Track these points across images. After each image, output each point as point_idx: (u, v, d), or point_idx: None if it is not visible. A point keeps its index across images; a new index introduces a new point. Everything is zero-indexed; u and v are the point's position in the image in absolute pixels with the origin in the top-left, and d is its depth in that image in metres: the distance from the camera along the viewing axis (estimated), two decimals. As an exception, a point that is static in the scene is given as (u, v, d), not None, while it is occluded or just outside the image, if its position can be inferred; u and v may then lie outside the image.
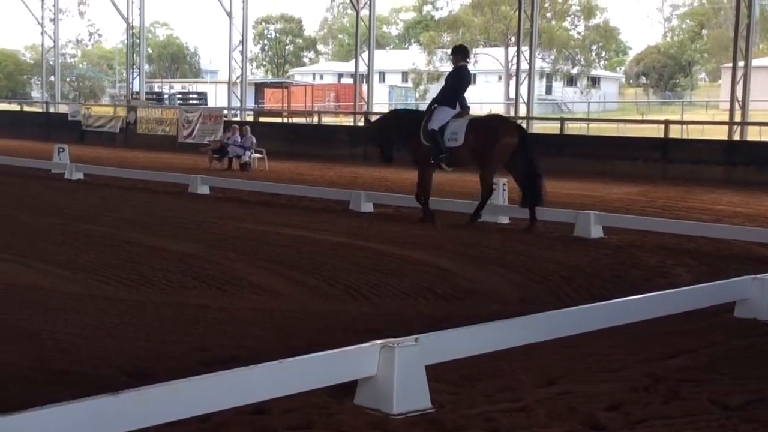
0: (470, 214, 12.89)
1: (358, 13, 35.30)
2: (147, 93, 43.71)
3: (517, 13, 32.18)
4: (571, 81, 75.59)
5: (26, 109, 51.20)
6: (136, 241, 10.76)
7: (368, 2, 34.11)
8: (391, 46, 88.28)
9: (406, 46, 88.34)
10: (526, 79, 30.97)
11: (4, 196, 15.84)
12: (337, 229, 12.27)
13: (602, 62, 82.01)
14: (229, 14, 37.55)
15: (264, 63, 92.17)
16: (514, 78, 33.20)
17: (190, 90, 62.46)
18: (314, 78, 78.78)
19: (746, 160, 22.39)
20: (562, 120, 29.68)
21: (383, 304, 7.73)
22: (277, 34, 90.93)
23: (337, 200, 14.99)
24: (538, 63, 43.07)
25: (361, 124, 31.27)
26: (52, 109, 45.48)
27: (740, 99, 25.85)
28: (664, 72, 77.34)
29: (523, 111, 30.98)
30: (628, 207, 15.65)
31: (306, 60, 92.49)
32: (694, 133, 33.40)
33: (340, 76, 77.45)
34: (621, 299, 6.82)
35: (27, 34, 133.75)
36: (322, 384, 4.80)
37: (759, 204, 16.55)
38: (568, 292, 8.36)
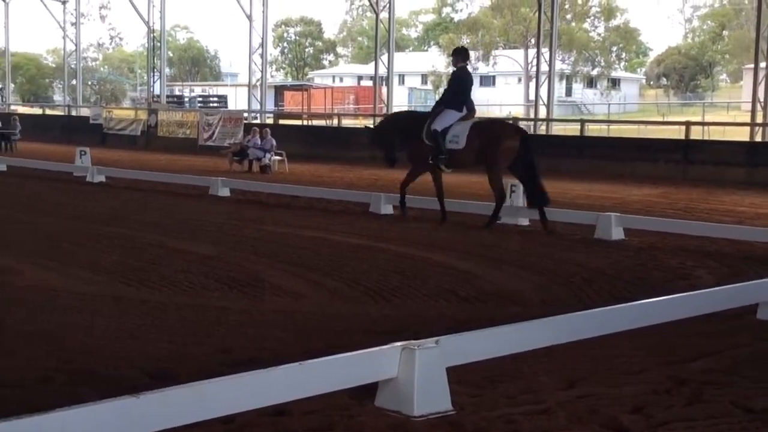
0: (488, 217, 12.94)
1: (377, 15, 35.34)
2: (168, 96, 43.94)
3: (536, 14, 32.11)
4: (591, 82, 75.33)
5: (48, 112, 51.61)
6: (157, 243, 10.81)
7: (388, 5, 34.13)
8: (411, 49, 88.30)
9: (425, 48, 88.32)
10: (546, 81, 30.90)
11: (27, 199, 15.96)
12: (357, 231, 12.28)
13: (622, 63, 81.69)
14: (249, 17, 37.68)
15: (284, 66, 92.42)
16: (534, 80, 33.13)
17: (211, 93, 62.71)
18: (334, 80, 78.86)
19: (768, 161, 22.26)
20: (582, 122, 29.55)
21: (404, 306, 7.72)
22: (297, 37, 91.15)
23: (356, 202, 15.00)
24: (558, 65, 42.98)
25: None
26: (73, 113, 45.78)
27: (762, 100, 25.69)
28: (685, 73, 76.94)
29: (542, 113, 30.92)
30: (649, 209, 15.58)
31: (326, 62, 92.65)
32: (716, 134, 33.22)
33: (360, 78, 77.52)
34: (642, 301, 6.78)
35: (49, 39, 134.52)
36: (342, 386, 4.80)
37: (782, 205, 16.42)
38: (590, 293, 8.33)
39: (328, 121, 41.28)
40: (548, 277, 9.10)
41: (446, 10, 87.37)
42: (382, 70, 35.56)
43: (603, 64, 73.50)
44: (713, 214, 15.01)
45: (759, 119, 25.62)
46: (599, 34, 73.77)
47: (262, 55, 38.31)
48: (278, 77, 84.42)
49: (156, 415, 4.01)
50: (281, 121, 38.98)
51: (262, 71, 38.35)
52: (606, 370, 5.68)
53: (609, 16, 72.33)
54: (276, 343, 6.28)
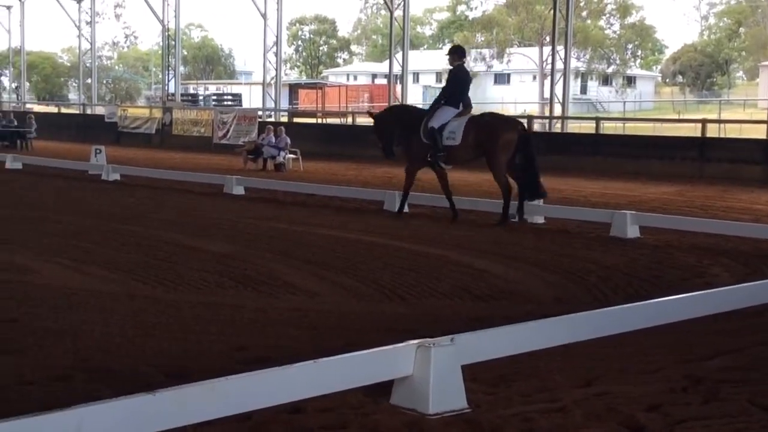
0: (501, 216, 12.98)
1: (392, 13, 35.32)
2: (182, 94, 44.04)
3: (551, 12, 32.03)
4: (606, 80, 75.09)
5: (63, 111, 51.86)
6: (172, 241, 10.83)
7: (402, 3, 34.09)
8: (425, 47, 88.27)
9: (440, 46, 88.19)
10: (561, 79, 30.82)
11: (42, 197, 16.03)
12: (372, 229, 12.28)
13: (638, 61, 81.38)
14: (264, 15, 37.73)
15: (298, 64, 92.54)
16: (549, 77, 33.05)
17: (225, 91, 62.83)
18: (348, 79, 78.93)
19: (785, 159, 22.13)
20: (598, 119, 29.48)
21: (419, 304, 7.72)
22: (311, 35, 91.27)
23: (371, 200, 15.01)
24: (573, 62, 42.88)
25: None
26: (88, 111, 45.99)
27: (779, 97, 25.50)
28: (701, 70, 76.61)
29: (558, 110, 30.83)
30: (664, 207, 15.51)
31: (340, 61, 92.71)
32: (732, 132, 33.02)
33: (374, 76, 77.53)
34: (659, 299, 6.76)
35: (64, 37, 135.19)
36: (357, 384, 4.80)
37: (799, 203, 16.33)
38: (605, 292, 8.30)
39: (342, 120, 41.33)
40: (563, 275, 9.08)
41: (461, 7, 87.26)
42: (397, 68, 35.55)
43: (618, 61, 73.27)
44: (730, 212, 14.94)
45: (775, 116, 25.45)
46: (614, 32, 73.54)
47: (276, 54, 38.36)
48: (293, 75, 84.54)
49: (172, 412, 4.02)
50: (296, 120, 39.02)
51: (276, 69, 38.39)
52: (622, 369, 5.66)
53: (624, 14, 72.10)
54: (291, 341, 6.28)
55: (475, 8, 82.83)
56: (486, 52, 71.80)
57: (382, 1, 45.26)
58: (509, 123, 13.54)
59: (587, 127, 31.88)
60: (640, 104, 68.62)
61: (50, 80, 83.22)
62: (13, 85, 59.43)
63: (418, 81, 72.61)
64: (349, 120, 37.65)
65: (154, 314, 7.03)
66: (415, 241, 11.14)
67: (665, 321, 6.37)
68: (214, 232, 11.76)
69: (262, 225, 12.52)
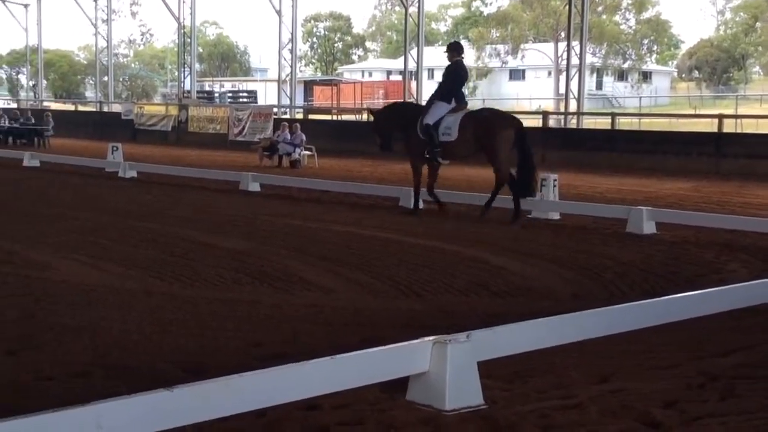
0: (513, 213, 13.00)
1: (406, 9, 35.31)
2: (198, 92, 44.20)
3: (567, 7, 31.92)
4: (622, 75, 74.79)
5: (80, 108, 52.12)
6: (189, 238, 10.88)
7: (417, -1, 34.07)
8: (440, 43, 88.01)
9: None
10: (577, 74, 30.73)
11: (60, 195, 16.12)
12: (387, 225, 12.29)
13: (654, 56, 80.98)
14: (279, 12, 37.78)
15: (313, 61, 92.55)
16: (564, 73, 32.96)
17: (241, 88, 62.97)
18: (363, 75, 78.90)
19: (803, 154, 22.01)
20: (613, 115, 29.37)
21: (435, 300, 7.72)
22: (326, 32, 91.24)
23: (387, 197, 15.02)
24: (589, 58, 42.72)
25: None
26: (105, 109, 46.19)
27: (796, 92, 25.35)
28: (717, 66, 76.17)
29: (573, 106, 30.75)
30: (681, 202, 15.46)
31: (355, 57, 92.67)
32: (749, 127, 32.85)
33: (389, 73, 77.47)
34: (675, 296, 6.74)
35: (80, 35, 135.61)
36: (374, 380, 4.81)
37: (816, 199, 16.24)
38: (622, 288, 8.29)
39: (357, 116, 41.33)
40: (579, 272, 9.06)
41: (476, 3, 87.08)
42: (412, 65, 35.55)
43: (634, 57, 72.95)
44: (747, 207, 14.88)
45: (793, 112, 25.31)
46: (630, 27, 73.18)
47: (291, 51, 38.42)
48: (307, 72, 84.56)
49: (189, 408, 4.04)
50: (311, 116, 39.07)
51: (291, 66, 38.45)
52: (638, 365, 5.65)
53: (640, 9, 71.73)
54: (307, 338, 6.30)
55: (490, 4, 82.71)
56: (501, 48, 71.67)
57: (396, -2, 45.23)
58: (507, 119, 13.62)
59: (603, 123, 31.78)
60: (656, 100, 68.29)
61: (67, 78, 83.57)
62: (31, 83, 59.78)
63: (432, 77, 72.37)
64: (364, 117, 37.60)
65: (171, 311, 7.06)
66: (431, 238, 11.15)
67: (681, 317, 6.36)
68: (230, 229, 11.80)
69: (278, 221, 12.55)
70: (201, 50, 78.32)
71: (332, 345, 5.78)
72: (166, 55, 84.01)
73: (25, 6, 51.32)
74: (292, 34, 38.17)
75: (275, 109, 35.97)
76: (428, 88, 53.65)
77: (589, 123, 32.93)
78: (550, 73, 68.47)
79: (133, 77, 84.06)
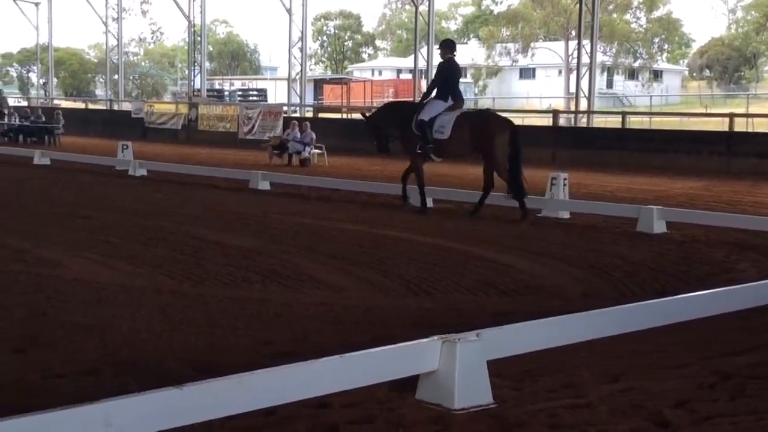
0: (521, 213, 13.02)
1: (417, 8, 35.29)
2: (208, 90, 44.26)
3: (577, 6, 31.85)
4: (632, 74, 74.59)
5: (91, 107, 52.21)
6: (198, 236, 10.89)
7: (427, -3, 34.04)
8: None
9: (464, 41, 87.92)
10: (587, 73, 30.66)
11: (70, 193, 16.16)
12: (397, 224, 12.29)
13: (665, 55, 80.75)
14: (289, 11, 37.81)
15: (323, 59, 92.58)
16: (575, 72, 32.88)
17: (251, 87, 63.02)
18: (373, 74, 78.86)
19: (814, 153, 21.92)
20: (624, 114, 29.28)
21: (445, 299, 7.72)
22: (336, 31, 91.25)
23: (396, 195, 14.99)
24: (599, 56, 42.61)
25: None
26: (115, 107, 46.28)
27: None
28: (729, 64, 75.88)
29: (583, 105, 30.68)
30: (691, 201, 15.42)
31: (365, 56, 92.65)
32: (760, 126, 32.70)
33: (399, 71, 77.40)
34: (686, 295, 6.72)
35: (91, 34, 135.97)
36: (383, 378, 4.81)
37: (828, 198, 16.16)
38: (632, 287, 8.27)
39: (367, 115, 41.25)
40: (589, 271, 9.05)
41: (486, 2, 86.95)
42: (422, 63, 35.52)
43: (645, 55, 72.75)
44: (758, 206, 14.82)
45: (804, 110, 25.20)
46: (641, 26, 72.96)
47: (301, 49, 38.43)
48: (317, 71, 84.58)
49: (199, 406, 4.05)
50: (321, 115, 39.05)
51: (301, 65, 38.47)
52: (648, 365, 5.64)
53: (651, 7, 71.50)
54: (317, 336, 6.30)
55: (500, 2, 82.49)
56: (511, 46, 71.55)
57: (407, -4, 45.19)
58: (503, 123, 13.75)
59: (613, 122, 31.69)
60: (667, 98, 68.08)
61: (77, 76, 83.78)
62: (41, 81, 59.94)
63: (442, 76, 72.36)
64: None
65: (180, 309, 7.07)
66: (441, 236, 11.14)
67: (692, 317, 6.34)
68: (240, 228, 11.81)
69: (288, 220, 12.56)
70: (211, 49, 78.42)
71: (342, 343, 5.77)
72: (176, 54, 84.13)
73: (36, 4, 51.44)
74: (302, 32, 38.19)
75: (285, 108, 35.99)
76: (438, 86, 53.58)
77: (599, 122, 32.85)
78: (560, 72, 68.33)
79: (144, 76, 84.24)
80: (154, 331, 6.33)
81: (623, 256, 9.88)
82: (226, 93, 53.70)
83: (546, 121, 31.57)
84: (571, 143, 26.51)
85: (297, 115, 35.70)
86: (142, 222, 12.07)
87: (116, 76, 49.57)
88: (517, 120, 39.05)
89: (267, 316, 6.95)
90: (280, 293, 7.77)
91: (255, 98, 51.98)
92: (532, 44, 70.96)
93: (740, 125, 28.57)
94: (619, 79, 74.38)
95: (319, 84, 60.77)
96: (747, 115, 33.72)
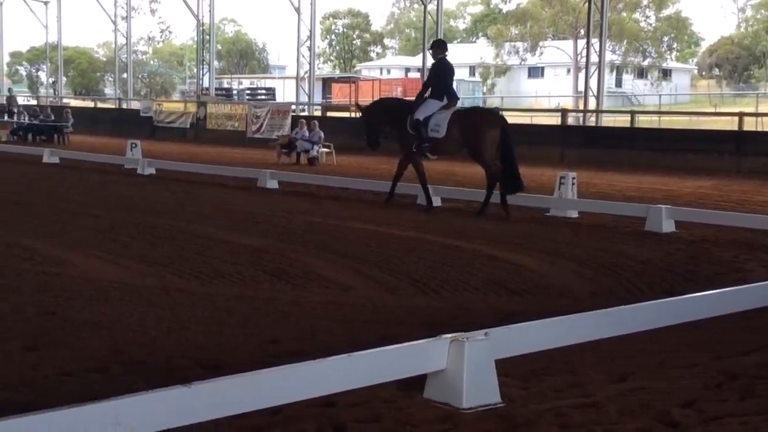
0: (502, 204, 13.28)
1: (425, 6, 35.27)
2: (216, 89, 44.30)
3: (586, 5, 31.79)
4: (641, 73, 74.41)
5: (100, 105, 52.32)
6: (207, 234, 10.91)
7: (435, -4, 34.00)
8: (459, 40, 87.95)
9: (473, 39, 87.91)
10: (596, 72, 30.60)
11: (79, 191, 16.20)
12: (406, 223, 12.29)
13: (674, 54, 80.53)
14: (297, 10, 37.82)
15: (331, 58, 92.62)
16: (584, 71, 32.82)
17: (259, 86, 63.05)
18: (381, 73, 78.87)
19: (824, 152, 21.85)
20: (633, 113, 29.23)
21: (453, 298, 7.71)
22: (345, 29, 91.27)
23: (405, 194, 14.99)
24: (608, 55, 42.50)
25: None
26: (124, 106, 46.37)
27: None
28: (738, 63, 75.68)
29: (592, 104, 30.62)
30: (700, 201, 15.38)
31: (373, 55, 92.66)
32: (770, 125, 32.60)
33: (408, 70, 77.33)
34: (694, 295, 6.71)
35: (100, 32, 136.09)
36: (391, 377, 4.80)
37: (838, 198, 16.10)
38: (640, 287, 8.25)
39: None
40: (598, 270, 9.03)
41: (495, 1, 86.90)
42: (430, 62, 35.47)
43: (654, 54, 72.56)
44: (767, 206, 14.77)
45: (814, 110, 25.11)
46: (650, 24, 72.77)
47: (310, 48, 38.45)
48: (326, 69, 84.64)
49: (207, 404, 4.05)
50: (329, 114, 39.07)
51: (310, 64, 38.49)
52: (657, 364, 5.62)
53: (660, 6, 71.32)
54: (324, 335, 6.31)
55: (509, 1, 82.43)
56: (520, 45, 71.46)
57: (415, -5, 45.16)
58: (493, 119, 13.97)
59: (622, 121, 31.63)
60: (676, 97, 67.93)
61: (86, 75, 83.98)
62: (51, 80, 60.11)
63: (451, 75, 72.27)
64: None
65: (189, 307, 7.08)
66: (449, 235, 11.13)
67: (700, 316, 6.32)
68: (249, 226, 11.82)
69: (296, 219, 12.57)
70: (219, 47, 78.50)
71: (350, 342, 5.77)
72: (184, 53, 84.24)
73: (45, 3, 51.58)
74: (310, 31, 38.21)
75: (293, 107, 36.01)
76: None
77: (608, 121, 32.80)
78: (569, 71, 68.21)
79: (152, 74, 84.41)
80: (162, 330, 6.34)
81: (632, 256, 9.86)
82: (235, 92, 53.71)
83: (555, 120, 31.52)
84: (580, 142, 26.47)
85: (305, 113, 35.71)
86: (151, 221, 12.10)
87: (125, 75, 49.68)
88: (526, 119, 39.12)
89: (275, 314, 6.95)
90: (288, 292, 7.78)
91: (263, 97, 51.99)
92: (540, 43, 70.86)
93: (750, 124, 28.49)
94: (628, 78, 74.21)
95: (327, 83, 60.81)
96: (757, 114, 33.62)
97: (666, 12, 72.37)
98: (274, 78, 74.26)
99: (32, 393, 4.86)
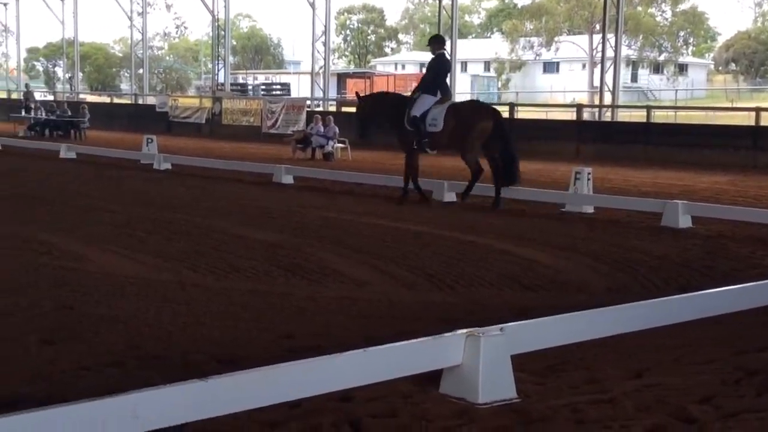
0: (463, 192, 13.85)
1: (440, 1, 35.21)
2: (231, 84, 44.36)
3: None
4: (657, 68, 74.07)
5: (116, 101, 52.50)
6: (222, 229, 10.94)
7: (451, -9, 33.93)
8: (473, 35, 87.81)
9: (488, 34, 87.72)
10: (612, 67, 30.47)
11: (96, 186, 16.27)
12: (420, 218, 12.28)
13: (690, 49, 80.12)
14: (312, 5, 37.81)
15: (346, 53, 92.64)
16: (599, 66, 32.70)
17: (274, 81, 63.13)
18: (396, 68, 78.86)
19: (842, 147, 21.70)
20: (649, 108, 29.09)
21: (468, 293, 7.71)
22: (359, 25, 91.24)
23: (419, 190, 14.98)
24: (624, 50, 42.35)
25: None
26: (140, 101, 46.53)
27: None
28: (755, 58, 75.20)
29: (608, 99, 30.50)
30: (717, 196, 15.31)
31: (388, 50, 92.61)
32: (787, 120, 32.38)
33: (422, 65, 77.05)
34: (711, 290, 6.67)
35: (116, 28, 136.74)
36: (407, 372, 4.81)
37: None
38: (656, 282, 8.22)
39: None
40: (614, 265, 9.00)
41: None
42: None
43: (670, 49, 72.19)
44: (784, 202, 14.68)
45: (832, 105, 24.93)
46: (666, 19, 72.42)
47: (324, 43, 38.43)
48: (341, 65, 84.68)
49: (224, 398, 4.07)
50: (344, 109, 39.07)
51: (324, 59, 38.47)
52: (673, 360, 5.61)
53: (676, 1, 70.97)
54: (340, 330, 6.32)
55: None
56: (535, 40, 71.26)
57: (430, -10, 45.08)
58: (485, 111, 14.06)
59: (638, 116, 31.47)
60: (692, 92, 67.59)
61: (103, 71, 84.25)
62: (67, 76, 60.34)
63: (466, 70, 72.23)
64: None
65: (204, 302, 7.11)
66: (464, 231, 11.12)
67: (717, 312, 6.29)
68: (264, 221, 11.85)
69: (311, 214, 12.58)
70: (235, 43, 78.60)
71: (366, 337, 5.78)
72: (200, 48, 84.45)
73: (62, -1, 51.80)
74: (325, 26, 38.20)
75: (308, 102, 36.03)
76: (461, 80, 53.52)
77: (624, 116, 32.66)
78: (584, 66, 67.95)
79: (168, 70, 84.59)
80: (178, 325, 6.37)
81: (648, 251, 9.83)
82: (250, 87, 53.83)
83: (570, 115, 31.41)
84: (596, 137, 26.38)
85: (320, 109, 35.72)
86: (167, 216, 12.14)
87: (141, 71, 49.84)
88: (541, 114, 39.00)
89: (290, 309, 6.97)
90: (303, 287, 7.79)
91: (278, 92, 52.09)
92: (556, 38, 70.63)
93: (766, 120, 28.30)
94: (644, 72, 73.88)
95: (342, 78, 60.88)
96: (773, 109, 33.36)
97: (682, 6, 72.01)
98: (289, 73, 74.36)
99: (50, 387, 4.89)
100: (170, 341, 5.93)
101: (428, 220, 12.05)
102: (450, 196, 14.24)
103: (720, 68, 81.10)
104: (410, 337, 5.03)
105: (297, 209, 13.06)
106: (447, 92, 14.34)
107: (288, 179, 17.03)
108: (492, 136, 13.43)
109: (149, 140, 22.59)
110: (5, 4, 56.03)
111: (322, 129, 24.59)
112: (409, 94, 15.75)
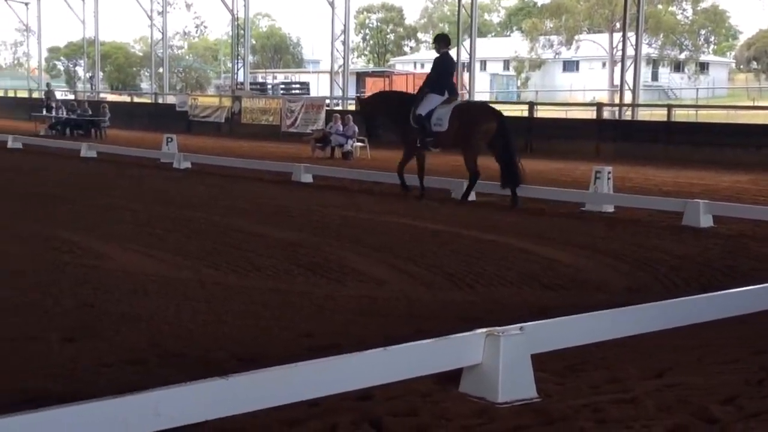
0: (462, 194, 13.99)
1: (459, 0, 35.14)
2: (251, 83, 44.47)
3: (622, -3, 31.51)
4: (678, 67, 73.68)
5: (136, 100, 52.73)
6: (242, 228, 10.96)
7: (470, -10, 33.88)
8: (493, 34, 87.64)
9: (507, 33, 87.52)
10: (632, 66, 30.33)
11: (116, 185, 16.35)
12: (440, 217, 12.27)
13: (711, 47, 79.64)
14: (332, 4, 37.85)
15: (365, 52, 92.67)
16: (619, 64, 32.56)
17: (293, 80, 63.24)
18: (415, 67, 78.71)
19: None
20: (669, 107, 28.93)
21: (488, 292, 7.69)
22: (379, 24, 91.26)
23: (439, 188, 14.99)
24: (645, 49, 42.15)
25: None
26: (160, 100, 46.71)
27: None
28: (777, 56, 74.68)
29: (628, 98, 30.37)
30: (738, 195, 15.21)
31: (407, 49, 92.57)
32: (809, 119, 32.14)
33: (441, 64, 77.07)
34: (733, 290, 6.63)
35: (136, 27, 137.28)
36: (426, 371, 4.80)
37: None
38: (677, 281, 8.18)
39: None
40: (634, 265, 8.96)
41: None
42: (464, 56, 35.37)
43: (691, 47, 71.79)
44: (806, 201, 14.57)
45: None
46: (687, 17, 72.00)
47: (344, 42, 38.47)
48: (360, 64, 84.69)
49: (244, 396, 4.08)
50: (363, 108, 39.08)
51: (344, 58, 38.51)
52: (695, 360, 5.57)
53: (697, -1, 70.59)
54: (359, 329, 6.32)
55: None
56: (554, 38, 71.04)
57: (449, -11, 45.02)
58: (489, 112, 14.20)
59: (659, 115, 31.31)
60: (713, 91, 67.20)
61: (123, 70, 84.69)
62: (88, 75, 60.67)
63: (485, 69, 72.15)
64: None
65: (224, 300, 7.13)
66: (484, 229, 11.10)
67: (739, 312, 6.25)
68: (283, 220, 11.87)
69: (331, 213, 12.59)
70: (254, 42, 78.79)
71: (385, 336, 5.78)
72: (219, 47, 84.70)
73: (83, -1, 52.08)
74: (344, 25, 38.23)
75: (327, 101, 36.06)
76: (481, 79, 53.43)
77: (644, 115, 32.51)
78: (604, 65, 67.68)
79: (188, 69, 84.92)
80: (198, 323, 6.39)
81: (668, 251, 9.78)
82: (269, 86, 53.93)
83: (590, 114, 31.29)
84: (616, 136, 26.28)
85: (339, 108, 35.75)
86: (187, 214, 12.18)
87: (161, 70, 50.04)
88: (561, 113, 38.86)
89: (309, 308, 6.97)
90: (323, 286, 7.80)
91: (298, 91, 52.17)
92: (576, 36, 70.38)
93: (789, 118, 28.12)
94: (664, 71, 73.52)
95: (361, 77, 60.82)
96: (796, 108, 33.16)
97: (703, 5, 71.58)
98: (309, 72, 74.44)
99: (71, 384, 4.92)
100: (191, 339, 5.95)
101: (447, 219, 12.04)
102: (470, 195, 14.19)
103: (741, 67, 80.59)
104: (429, 336, 5.03)
105: (316, 208, 13.08)
106: (454, 92, 14.44)
107: (307, 178, 17.06)
108: (496, 136, 13.59)
109: (169, 139, 22.67)
110: (27, 4, 56.42)
111: (341, 128, 24.62)
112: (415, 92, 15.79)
